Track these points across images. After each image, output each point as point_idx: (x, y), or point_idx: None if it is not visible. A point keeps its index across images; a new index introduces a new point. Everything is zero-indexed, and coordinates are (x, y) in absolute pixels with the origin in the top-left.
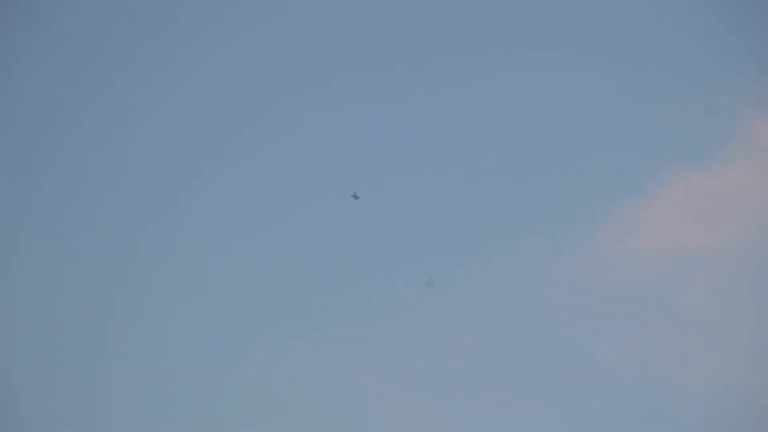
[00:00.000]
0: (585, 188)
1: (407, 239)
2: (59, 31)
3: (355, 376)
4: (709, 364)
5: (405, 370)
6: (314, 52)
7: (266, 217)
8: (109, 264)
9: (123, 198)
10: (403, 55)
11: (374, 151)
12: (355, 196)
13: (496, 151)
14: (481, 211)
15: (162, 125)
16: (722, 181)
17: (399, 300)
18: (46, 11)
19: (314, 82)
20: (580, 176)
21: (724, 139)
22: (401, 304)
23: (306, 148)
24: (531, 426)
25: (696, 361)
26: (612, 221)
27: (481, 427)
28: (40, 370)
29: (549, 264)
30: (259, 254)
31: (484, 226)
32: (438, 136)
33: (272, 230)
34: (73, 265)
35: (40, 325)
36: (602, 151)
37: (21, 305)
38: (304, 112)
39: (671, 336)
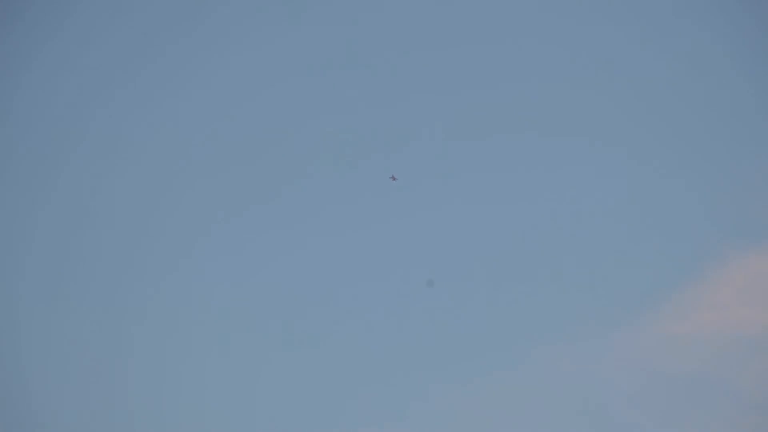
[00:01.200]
0: (643, 270)
1: (451, 319)
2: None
3: None
4: None
5: None
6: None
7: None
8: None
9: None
10: (409, 140)
11: (394, 246)
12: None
13: (558, 230)
14: (540, 292)
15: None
16: None
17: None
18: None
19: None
20: (638, 258)
21: None
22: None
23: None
24: None
25: None
26: (671, 303)
27: None
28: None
29: (608, 347)
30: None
31: (543, 308)
32: (491, 220)
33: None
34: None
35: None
36: (660, 232)
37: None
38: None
39: (733, 419)
